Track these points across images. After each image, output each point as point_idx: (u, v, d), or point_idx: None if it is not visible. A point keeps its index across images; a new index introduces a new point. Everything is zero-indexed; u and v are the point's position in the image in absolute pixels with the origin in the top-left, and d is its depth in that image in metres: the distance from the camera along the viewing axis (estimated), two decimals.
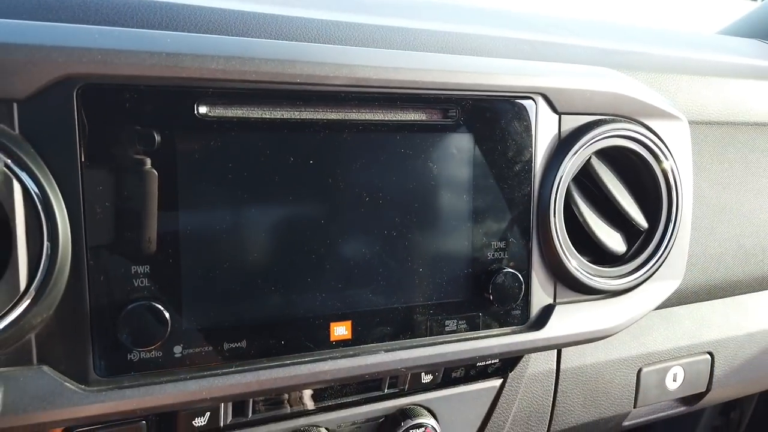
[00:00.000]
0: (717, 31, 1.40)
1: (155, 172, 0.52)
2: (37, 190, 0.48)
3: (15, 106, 0.48)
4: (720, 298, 0.99)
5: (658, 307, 0.90)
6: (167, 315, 0.53)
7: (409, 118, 0.61)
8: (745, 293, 1.02)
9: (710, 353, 1.02)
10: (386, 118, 0.60)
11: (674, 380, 1.00)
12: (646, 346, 0.96)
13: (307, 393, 0.69)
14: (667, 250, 0.75)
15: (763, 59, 1.06)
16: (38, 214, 0.49)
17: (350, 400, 0.71)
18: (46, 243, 0.49)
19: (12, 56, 0.47)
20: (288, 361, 0.58)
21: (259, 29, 0.61)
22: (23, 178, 0.48)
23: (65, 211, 0.50)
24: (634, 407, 0.97)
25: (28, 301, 0.49)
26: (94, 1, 0.56)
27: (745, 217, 0.94)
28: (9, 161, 0.47)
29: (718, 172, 0.92)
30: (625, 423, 1.00)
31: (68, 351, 0.51)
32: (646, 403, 0.98)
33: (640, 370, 0.95)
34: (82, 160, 0.50)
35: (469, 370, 0.78)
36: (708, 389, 1.04)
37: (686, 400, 1.06)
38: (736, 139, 0.93)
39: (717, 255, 0.92)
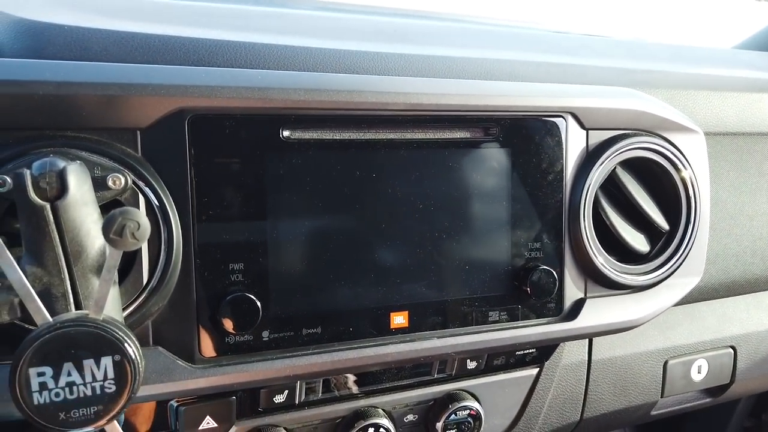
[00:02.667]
0: (735, 44, 1.47)
1: (248, 185, 0.63)
2: (156, 203, 0.59)
3: (138, 133, 0.59)
4: (740, 294, 1.06)
5: (682, 303, 0.97)
6: (259, 305, 0.63)
7: (455, 136, 0.71)
8: (765, 290, 1.09)
9: (733, 347, 1.09)
10: (436, 137, 0.70)
11: (699, 372, 1.07)
12: (672, 340, 1.03)
13: (368, 378, 0.78)
14: (687, 250, 0.83)
15: None
16: (158, 222, 0.59)
17: (404, 383, 0.80)
18: (163, 246, 0.60)
19: (137, 94, 0.58)
20: (355, 345, 0.68)
21: (329, 62, 0.71)
22: (146, 192, 0.59)
23: (178, 219, 0.60)
24: (662, 397, 1.04)
25: (149, 293, 0.60)
26: (193, 43, 0.67)
27: (761, 220, 1.01)
28: (135, 178, 0.58)
29: (736, 178, 0.99)
30: (654, 412, 1.07)
31: (178, 335, 0.62)
32: (673, 393, 1.05)
33: (666, 362, 1.03)
34: (192, 176, 0.61)
35: (509, 359, 0.86)
36: (732, 381, 1.10)
37: (711, 392, 1.13)
38: (753, 149, 1.01)
39: (735, 254, 0.99)
